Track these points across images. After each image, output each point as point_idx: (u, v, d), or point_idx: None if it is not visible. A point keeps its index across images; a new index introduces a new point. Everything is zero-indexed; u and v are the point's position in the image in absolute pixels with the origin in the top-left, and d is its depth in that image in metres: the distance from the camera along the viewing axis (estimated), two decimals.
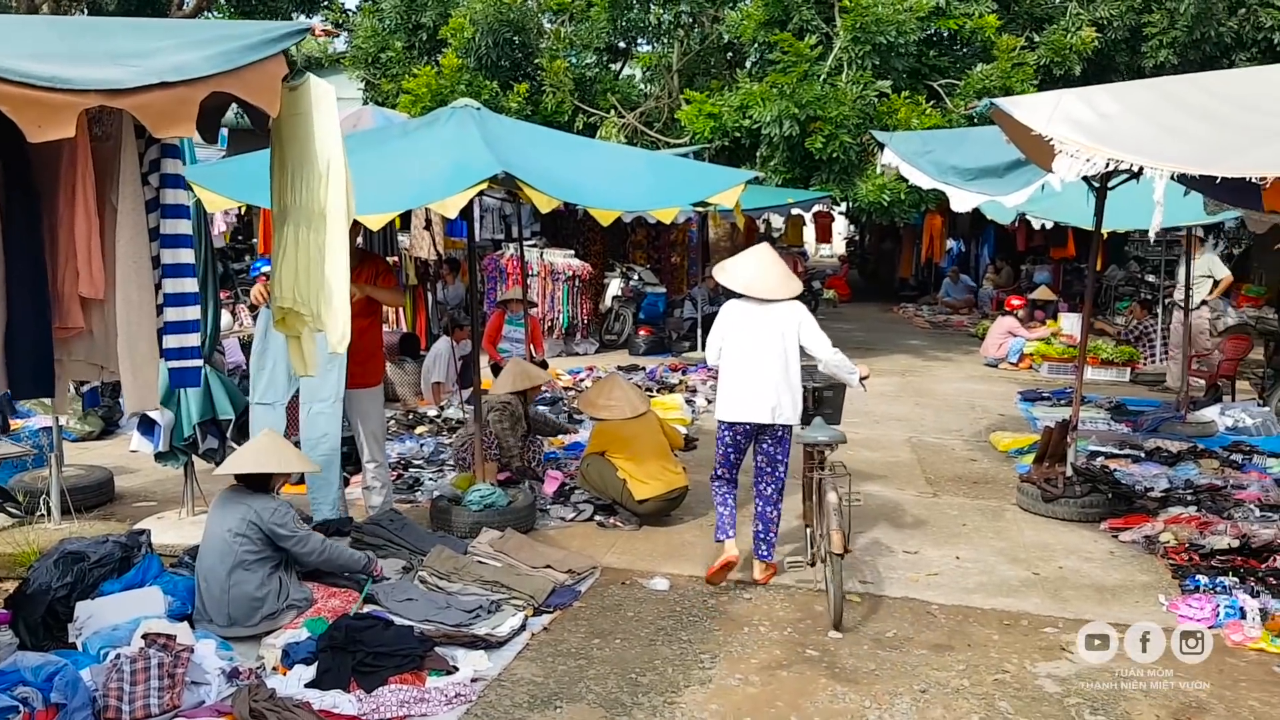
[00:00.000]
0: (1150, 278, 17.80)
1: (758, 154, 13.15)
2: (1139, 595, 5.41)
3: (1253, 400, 10.08)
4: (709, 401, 10.75)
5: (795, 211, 20.64)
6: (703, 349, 13.99)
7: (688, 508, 6.87)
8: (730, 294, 5.59)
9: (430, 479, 7.54)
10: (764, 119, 12.50)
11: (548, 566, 5.52)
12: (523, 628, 4.86)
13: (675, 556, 6.05)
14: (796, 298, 5.61)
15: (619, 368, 12.43)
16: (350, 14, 20.06)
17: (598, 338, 15.07)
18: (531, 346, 10.64)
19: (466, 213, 6.19)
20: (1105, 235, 8.01)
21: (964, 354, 14.83)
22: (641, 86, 16.78)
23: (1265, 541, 5.83)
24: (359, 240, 6.58)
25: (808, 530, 5.83)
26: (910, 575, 5.74)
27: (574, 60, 15.42)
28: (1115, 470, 7.65)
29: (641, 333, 14.58)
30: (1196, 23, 13.58)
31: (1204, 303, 11.43)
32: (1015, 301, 14.85)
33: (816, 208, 20.27)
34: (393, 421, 9.29)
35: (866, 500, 7.16)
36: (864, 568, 5.85)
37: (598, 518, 6.69)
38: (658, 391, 11.14)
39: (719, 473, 5.71)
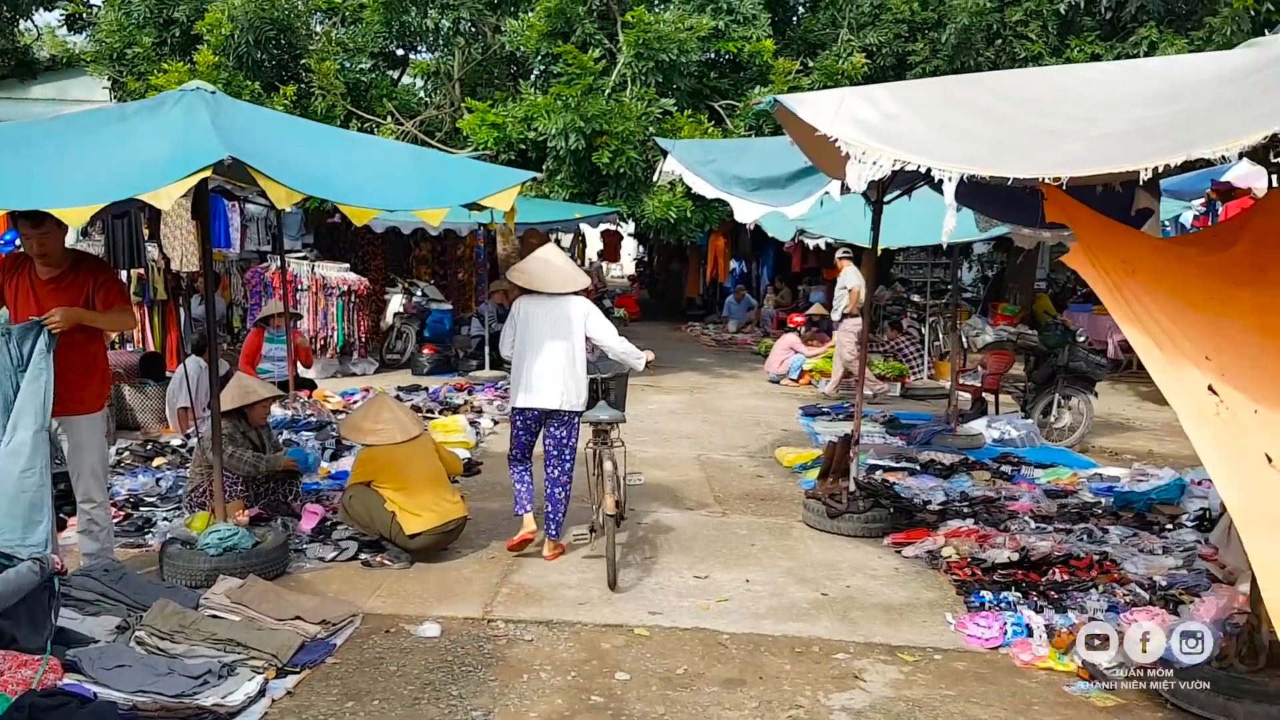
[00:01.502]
0: (915, 297, 18.73)
1: (544, 167, 12.75)
2: (926, 614, 5.31)
3: (1016, 413, 10.55)
4: (495, 423, 10.21)
5: (584, 229, 20.51)
6: (491, 368, 13.57)
7: (467, 540, 6.31)
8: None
9: (165, 519, 6.59)
10: (549, 131, 12.14)
11: (296, 618, 4.81)
12: (261, 693, 4.16)
13: (450, 596, 5.49)
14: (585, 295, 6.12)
15: (399, 389, 11.67)
16: (94, 7, 18.24)
17: (378, 357, 14.21)
18: (299, 365, 9.76)
19: (202, 213, 5.41)
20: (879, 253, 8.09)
21: (749, 371, 14.97)
22: (422, 95, 16.08)
23: (1043, 554, 5.89)
24: (91, 247, 5.64)
25: (594, 509, 6.31)
26: (701, 603, 5.43)
27: (347, 64, 14.53)
28: (894, 484, 7.70)
29: (426, 351, 13.87)
30: (957, 52, 14.33)
31: (845, 315, 12.06)
32: (798, 319, 15.16)
33: (604, 226, 20.19)
34: (127, 453, 8.19)
35: (658, 524, 6.85)
36: (653, 597, 5.49)
37: (363, 556, 6.00)
38: (440, 413, 10.48)
39: (515, 455, 6.24)
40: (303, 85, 13.99)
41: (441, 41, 14.55)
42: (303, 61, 14.05)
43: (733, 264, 22.97)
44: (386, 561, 5.92)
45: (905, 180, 6.86)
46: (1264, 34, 4.52)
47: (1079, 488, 7.80)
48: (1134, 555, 6.02)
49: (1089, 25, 14.83)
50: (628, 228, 19.61)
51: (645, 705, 4.23)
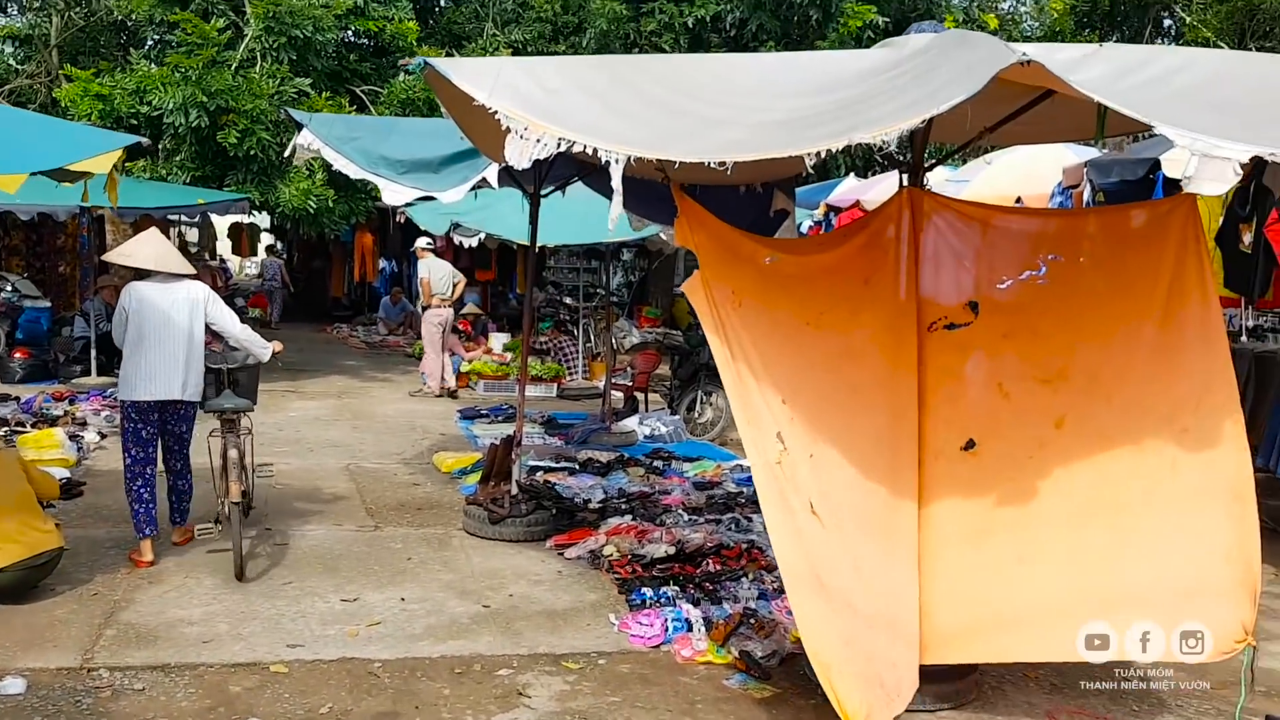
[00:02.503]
0: (568, 300, 19.00)
1: (160, 146, 11.35)
2: (590, 617, 5.15)
3: (664, 410, 10.86)
4: (103, 436, 8.86)
5: (213, 219, 18.71)
6: (99, 374, 11.85)
7: (64, 574, 5.32)
8: None
9: None
10: (166, 105, 10.80)
11: None
12: None
13: (40, 643, 4.55)
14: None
15: None
16: None
17: None
18: None
19: None
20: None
21: (402, 374, 14.32)
22: (11, 62, 13.84)
23: (696, 546, 5.97)
24: None
25: (219, 500, 6.00)
26: (349, 629, 4.90)
27: None
28: (555, 484, 7.55)
29: (18, 355, 11.89)
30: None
31: (425, 308, 12.40)
32: (466, 321, 14.76)
33: (237, 216, 18.52)
34: None
35: (299, 544, 6.19)
36: (293, 627, 4.88)
37: None
38: (33, 426, 8.93)
39: (134, 455, 5.72)
40: None
41: (36, 3, 12.56)
42: None
43: (382, 263, 22.03)
44: None
45: (560, 175, 6.73)
46: None
47: (723, 479, 8.09)
48: None
49: (715, 41, 15.73)
50: (263, 219, 18.07)
51: None
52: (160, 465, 5.92)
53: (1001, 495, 4.22)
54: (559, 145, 3.15)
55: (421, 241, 12.73)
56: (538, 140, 3.14)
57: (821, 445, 3.87)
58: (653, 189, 5.20)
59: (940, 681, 4.14)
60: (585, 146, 3.17)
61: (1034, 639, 4.12)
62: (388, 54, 13.57)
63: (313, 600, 5.26)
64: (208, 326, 5.80)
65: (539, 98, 3.40)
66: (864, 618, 3.88)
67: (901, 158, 4.46)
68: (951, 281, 4.35)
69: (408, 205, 12.88)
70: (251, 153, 11.14)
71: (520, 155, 3.11)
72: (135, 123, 11.20)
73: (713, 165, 3.05)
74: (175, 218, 16.73)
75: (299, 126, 5.68)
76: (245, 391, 6.16)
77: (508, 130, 3.19)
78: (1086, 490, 4.20)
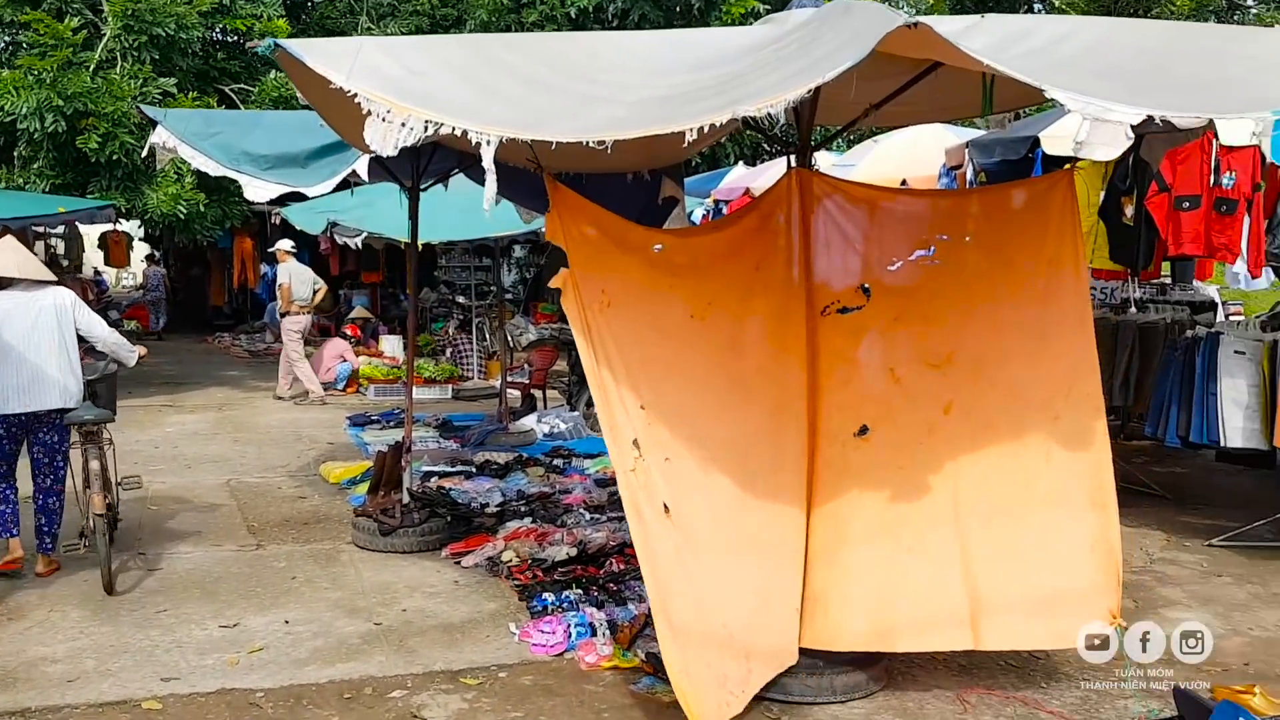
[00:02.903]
0: (461, 299, 18.59)
1: (15, 154, 10.61)
2: (489, 628, 4.93)
3: (563, 406, 10.65)
4: None
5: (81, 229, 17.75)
6: None
7: None
8: None
9: None
10: (19, 110, 10.08)
11: None
12: None
13: None
14: None
15: None
16: None
17: None
18: None
19: None
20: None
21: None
22: None
23: (599, 546, 5.79)
24: None
25: (84, 514, 5.72)
26: (229, 657, 4.57)
27: None
28: (450, 490, 7.28)
29: None
30: None
31: (283, 314, 12.09)
32: (353, 325, 14.26)
33: (105, 225, 17.57)
34: None
35: (174, 568, 5.81)
36: (167, 659, 4.53)
37: None
38: None
39: None
40: None
41: None
42: None
43: (264, 268, 21.19)
44: None
45: (440, 167, 6.46)
46: None
47: None
48: None
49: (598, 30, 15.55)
50: (133, 227, 17.13)
51: None
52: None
53: (892, 482, 4.22)
54: (426, 129, 2.92)
55: (283, 244, 12.30)
56: (403, 124, 2.91)
57: (680, 448, 3.83)
58: (536, 179, 5.01)
59: (848, 672, 4.06)
60: (455, 129, 2.95)
61: (924, 629, 4.13)
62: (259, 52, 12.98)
63: (189, 628, 4.90)
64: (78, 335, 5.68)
65: (403, 79, 3.17)
66: (713, 617, 3.81)
67: (787, 139, 4.36)
68: (843, 265, 4.28)
69: (282, 206, 12.39)
70: (115, 158, 10.49)
71: (384, 141, 2.88)
72: None
73: (592, 144, 2.87)
74: (40, 229, 15.77)
75: (154, 124, 5.29)
76: (105, 402, 5.98)
77: (368, 114, 2.95)
78: (970, 480, 4.22)
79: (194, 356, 16.72)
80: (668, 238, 3.94)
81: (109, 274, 31.16)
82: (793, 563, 4.04)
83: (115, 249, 19.94)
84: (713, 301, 3.95)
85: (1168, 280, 8.32)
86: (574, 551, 5.72)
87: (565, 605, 5.02)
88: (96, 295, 19.00)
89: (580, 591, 5.20)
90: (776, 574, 4.05)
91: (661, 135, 3.03)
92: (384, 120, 2.97)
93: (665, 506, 3.75)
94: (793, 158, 4.26)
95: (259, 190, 5.20)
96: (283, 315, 12.00)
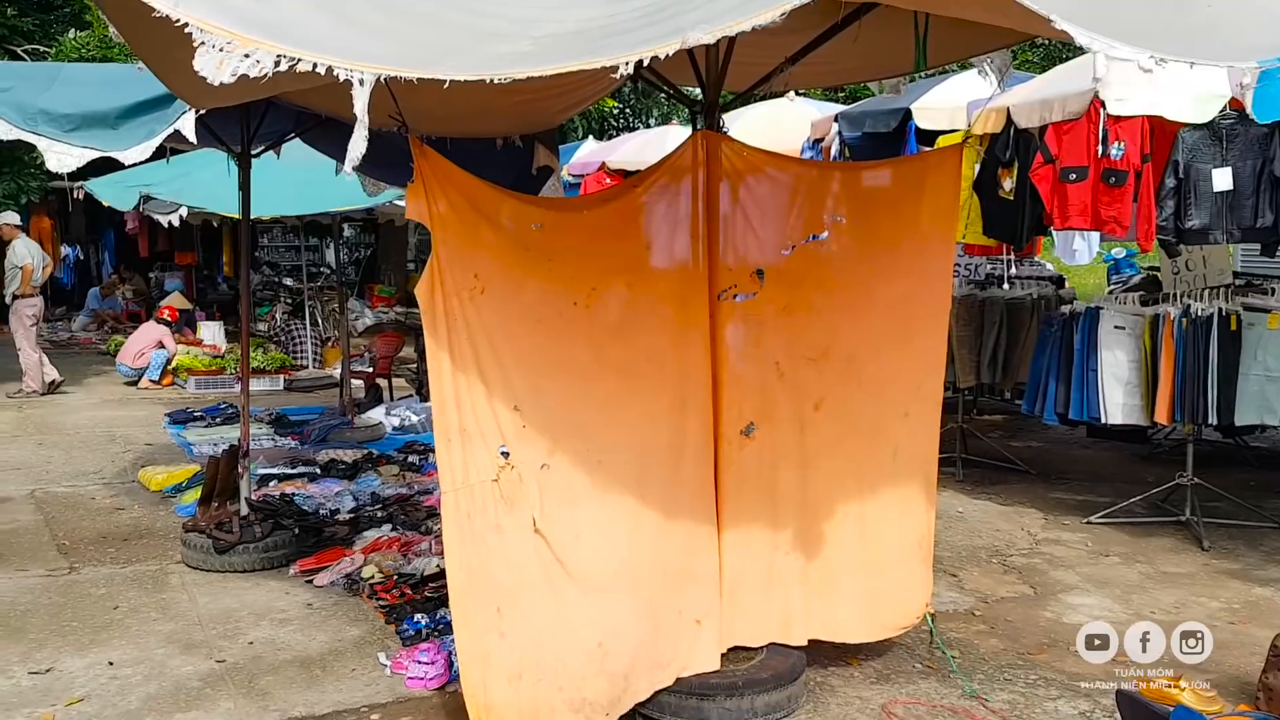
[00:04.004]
0: (289, 281, 17.40)
1: None
2: (354, 659, 4.32)
3: (412, 397, 9.94)
4: None
5: None
6: None
7: None
8: None
9: None
10: None
11: None
12: None
13: None
14: None
15: None
16: None
17: None
18: None
19: None
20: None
21: (96, 375, 12.40)
22: None
23: None
24: None
25: None
26: (42, 713, 3.81)
27: None
28: (294, 495, 6.54)
29: None
30: None
31: (17, 297, 10.99)
32: (170, 310, 12.92)
33: None
34: None
35: None
36: None
37: None
38: None
39: None
40: None
41: None
42: None
43: (65, 249, 19.25)
44: None
45: (274, 131, 5.71)
46: None
47: None
48: None
49: None
50: None
51: None
52: None
53: (768, 483, 3.93)
54: (278, 64, 2.31)
55: (10, 217, 10.99)
56: (246, 55, 2.28)
57: (561, 453, 3.38)
58: (393, 145, 4.40)
59: (768, 690, 3.71)
60: (317, 66, 2.35)
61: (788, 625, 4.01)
62: (56, 7, 11.56)
63: None
64: None
65: (248, 7, 2.54)
66: (583, 636, 3.47)
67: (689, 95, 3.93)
68: (743, 244, 3.89)
69: (82, 180, 11.08)
70: None
71: (219, 69, 2.25)
72: None
73: (497, 81, 2.33)
74: None
75: None
76: None
77: (200, 45, 2.31)
78: (828, 480, 4.07)
79: None
80: (548, 213, 3.44)
81: None
82: (698, 571, 3.66)
83: None
84: (597, 286, 3.48)
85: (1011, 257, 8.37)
86: (444, 563, 5.13)
87: (442, 628, 4.45)
88: None
89: None
90: (677, 585, 3.67)
91: (566, 81, 2.54)
92: (221, 50, 2.34)
93: (534, 520, 3.29)
94: (698, 119, 3.83)
95: (62, 157, 4.34)
96: (15, 298, 10.65)
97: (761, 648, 3.89)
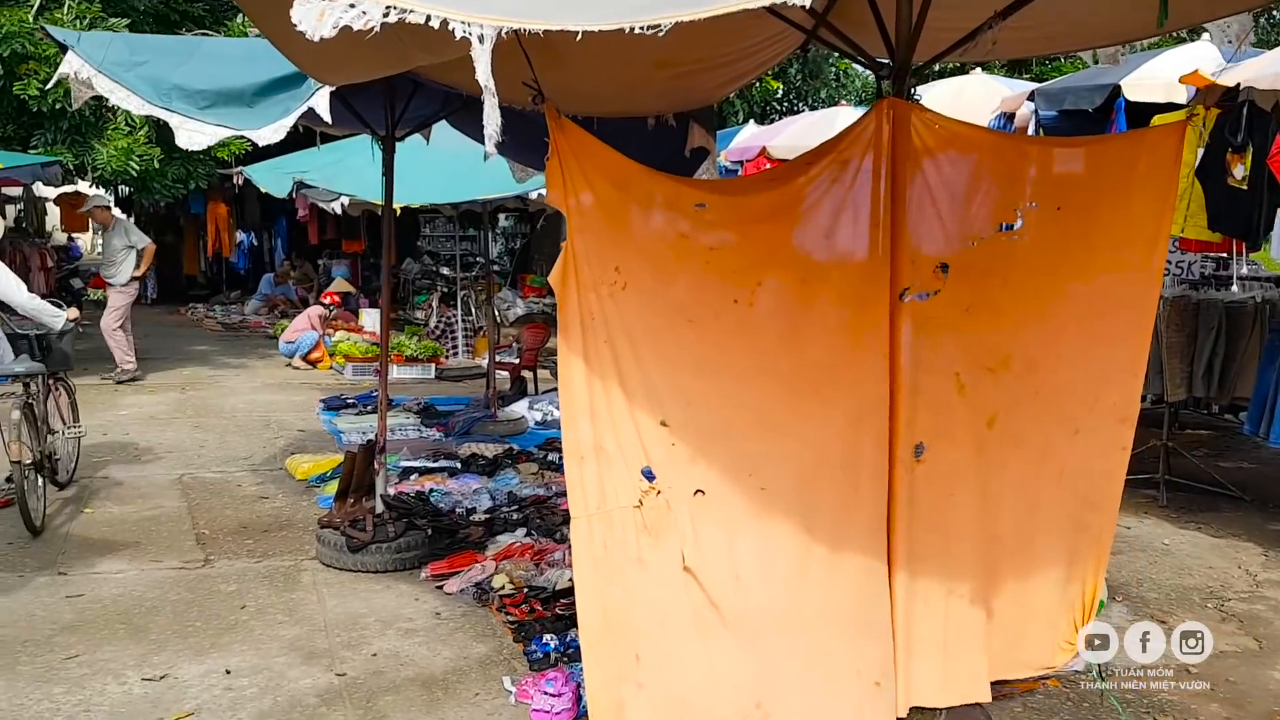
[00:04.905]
0: (445, 270, 17.52)
1: None
2: (478, 681, 3.97)
3: (555, 390, 9.64)
4: None
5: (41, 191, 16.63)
6: None
7: None
8: None
9: None
10: None
11: None
12: None
13: None
14: None
15: None
16: None
17: None
18: None
19: None
20: (398, 213, 6.56)
21: (260, 358, 12.73)
22: None
23: None
24: None
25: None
26: None
27: None
28: (432, 490, 6.31)
29: None
30: None
31: (134, 279, 10.74)
32: (334, 295, 13.22)
33: (69, 187, 16.44)
34: None
35: (99, 593, 4.85)
36: None
37: None
38: None
39: None
40: None
41: None
42: None
43: (240, 235, 20.09)
44: None
45: (420, 114, 5.44)
46: None
47: None
48: None
49: None
50: (84, 184, 15.85)
51: None
52: None
53: (941, 513, 3.32)
54: (386, 14, 1.92)
55: (101, 200, 10.90)
56: (350, 5, 1.90)
57: (719, 478, 2.88)
58: (537, 124, 4.02)
59: None
60: (430, 18, 1.94)
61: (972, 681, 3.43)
62: None
63: (104, 681, 3.93)
64: None
65: None
66: (740, 698, 2.98)
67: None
68: (928, 235, 3.31)
69: (245, 165, 11.27)
70: (58, 107, 9.37)
71: (319, 20, 1.88)
72: None
73: (639, 31, 1.87)
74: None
75: (62, 49, 4.24)
76: (59, 357, 6.22)
77: None
78: (1001, 505, 3.51)
79: (163, 329, 15.65)
80: (711, 194, 2.97)
81: (83, 240, 29.95)
82: (874, 619, 3.11)
83: (69, 213, 18.73)
84: (764, 280, 2.97)
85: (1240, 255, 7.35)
86: None
87: (572, 652, 4.06)
88: (56, 263, 17.84)
89: None
90: (850, 636, 3.12)
91: (725, 44, 2.05)
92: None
93: (683, 556, 2.82)
94: (883, 84, 3.27)
95: (194, 135, 4.15)
96: (133, 281, 10.65)
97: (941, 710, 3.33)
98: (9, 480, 5.73)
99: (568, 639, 4.16)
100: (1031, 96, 6.80)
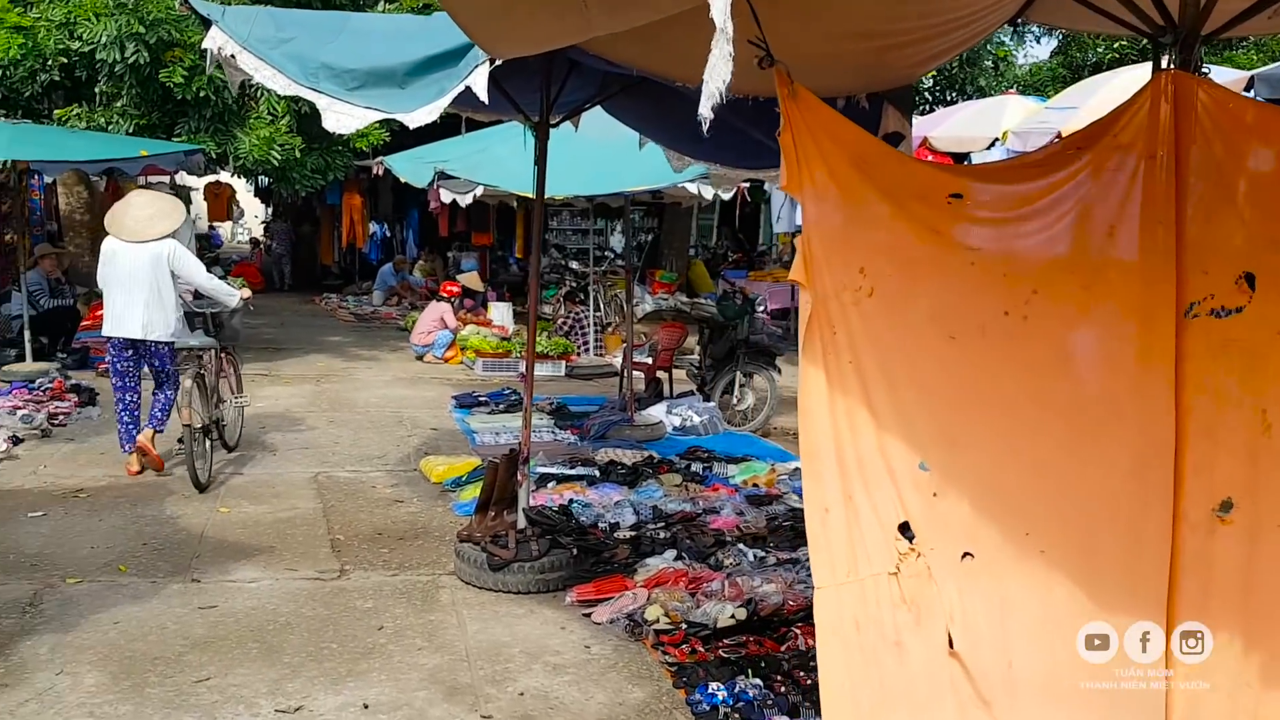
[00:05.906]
0: (574, 264, 17.25)
1: (97, 90, 9.59)
2: None
3: (693, 395, 9.18)
4: (18, 441, 7.25)
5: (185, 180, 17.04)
6: (34, 359, 10.19)
7: None
8: None
9: None
10: (98, 39, 9.02)
11: None
12: None
13: None
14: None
15: None
16: None
17: None
18: None
19: None
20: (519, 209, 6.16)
21: (392, 351, 12.66)
22: None
23: (773, 607, 4.32)
24: None
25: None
26: None
27: None
28: (573, 501, 5.92)
29: None
30: None
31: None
32: (452, 287, 13.05)
33: (211, 176, 16.82)
34: None
35: (231, 605, 4.58)
36: None
37: None
38: None
39: (114, 384, 6.66)
40: None
41: None
42: None
43: (373, 227, 20.27)
44: None
45: (575, 97, 5.03)
46: None
47: (780, 489, 6.45)
48: None
49: None
50: (229, 176, 16.10)
51: None
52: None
53: (1242, 584, 2.63)
54: None
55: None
56: None
57: (987, 536, 2.30)
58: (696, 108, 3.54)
59: None
60: None
61: None
62: None
63: (234, 709, 3.62)
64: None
65: None
66: None
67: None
68: (1222, 238, 2.65)
69: (386, 154, 11.12)
70: (202, 94, 9.38)
71: None
72: (66, 60, 9.44)
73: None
74: (142, 179, 15.00)
75: (205, 24, 3.95)
76: (229, 334, 7.07)
77: None
78: None
79: (299, 318, 15.84)
80: (970, 182, 2.43)
81: (223, 229, 31.00)
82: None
83: (215, 202, 19.18)
84: (1040, 288, 2.40)
85: None
86: (742, 614, 4.25)
87: (742, 706, 3.57)
88: (199, 251, 18.30)
89: (760, 683, 3.73)
90: None
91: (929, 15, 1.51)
92: None
93: (950, 638, 2.26)
94: (1165, 57, 2.66)
95: (341, 118, 3.80)
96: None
97: None
98: (180, 441, 6.33)
99: (736, 690, 3.67)
100: (1250, 85, 5.96)
